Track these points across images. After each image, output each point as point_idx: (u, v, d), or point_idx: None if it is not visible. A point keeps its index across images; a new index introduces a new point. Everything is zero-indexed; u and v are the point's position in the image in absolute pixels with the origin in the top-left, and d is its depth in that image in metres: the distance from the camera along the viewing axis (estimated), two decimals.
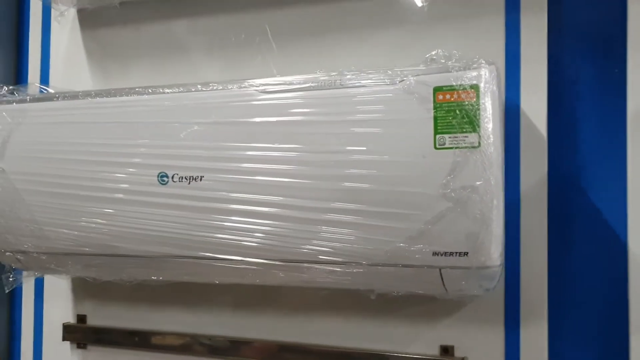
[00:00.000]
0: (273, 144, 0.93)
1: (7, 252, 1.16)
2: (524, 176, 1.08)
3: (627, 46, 1.04)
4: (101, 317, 1.40)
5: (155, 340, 1.32)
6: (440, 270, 0.90)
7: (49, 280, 1.44)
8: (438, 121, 0.85)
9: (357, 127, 0.89)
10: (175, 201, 0.99)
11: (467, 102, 0.83)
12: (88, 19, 1.41)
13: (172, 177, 0.99)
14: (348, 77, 0.92)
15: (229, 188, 0.96)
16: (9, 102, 1.12)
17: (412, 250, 0.88)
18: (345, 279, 0.96)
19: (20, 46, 1.53)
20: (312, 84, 0.93)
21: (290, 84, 0.94)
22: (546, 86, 1.07)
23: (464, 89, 0.84)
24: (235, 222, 0.97)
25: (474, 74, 0.84)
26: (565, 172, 1.10)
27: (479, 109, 0.83)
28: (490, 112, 0.83)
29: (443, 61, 0.89)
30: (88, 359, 1.41)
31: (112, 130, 1.04)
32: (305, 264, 0.95)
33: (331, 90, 0.92)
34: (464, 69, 0.85)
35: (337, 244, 0.92)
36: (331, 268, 0.94)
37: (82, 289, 1.41)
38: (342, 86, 0.91)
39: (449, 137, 0.84)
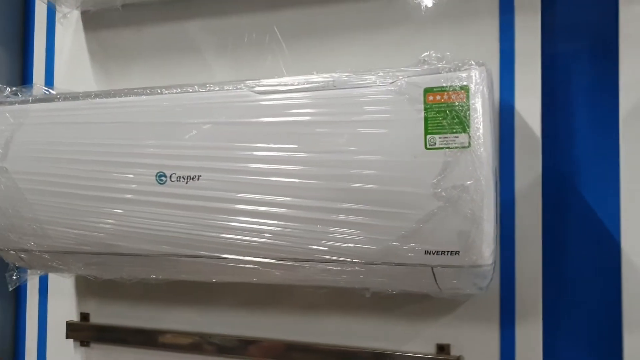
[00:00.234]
0: (267, 144, 0.95)
1: (10, 250, 1.18)
2: (519, 176, 1.09)
3: (619, 46, 1.04)
4: (104, 315, 1.41)
5: (158, 338, 1.33)
6: (432, 268, 0.91)
7: (53, 278, 1.45)
8: (428, 122, 0.85)
9: (348, 127, 0.90)
10: (173, 200, 1.00)
11: (457, 103, 0.84)
12: (91, 21, 1.43)
13: (170, 177, 1.00)
14: (341, 78, 0.93)
15: (225, 187, 0.97)
16: (11, 103, 1.13)
17: (405, 249, 0.89)
18: (340, 277, 0.97)
19: (26, 48, 1.55)
20: (305, 85, 0.94)
21: (284, 85, 0.96)
22: (540, 86, 1.08)
23: (454, 89, 0.84)
24: (231, 221, 0.98)
25: (464, 75, 0.85)
26: (559, 172, 1.11)
27: (469, 110, 0.84)
28: (481, 112, 0.84)
29: (435, 62, 0.90)
30: (91, 356, 1.42)
31: (112, 130, 1.05)
32: (299, 263, 0.96)
33: (324, 91, 0.93)
34: (455, 70, 0.86)
35: (331, 243, 0.93)
36: (325, 266, 0.95)
37: (86, 287, 1.43)
38: (335, 87, 0.92)
39: (439, 138, 0.85)
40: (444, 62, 0.89)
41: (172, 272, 1.11)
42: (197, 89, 1.02)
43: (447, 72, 0.86)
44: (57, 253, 1.13)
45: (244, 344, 1.26)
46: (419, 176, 0.86)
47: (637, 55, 1.04)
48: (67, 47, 1.46)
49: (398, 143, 0.87)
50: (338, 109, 0.91)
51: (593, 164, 1.10)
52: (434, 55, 0.91)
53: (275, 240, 0.96)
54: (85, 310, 1.43)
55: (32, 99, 1.13)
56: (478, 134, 0.83)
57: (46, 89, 1.22)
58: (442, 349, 1.13)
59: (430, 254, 0.88)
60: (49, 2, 1.37)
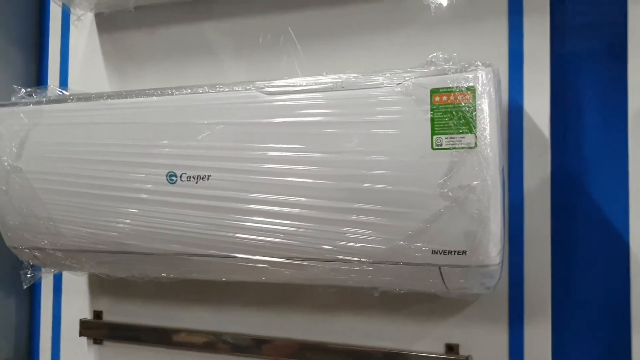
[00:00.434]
0: (276, 144, 0.95)
1: (25, 248, 1.20)
2: (528, 176, 1.09)
3: (628, 46, 1.04)
4: (117, 313, 1.43)
5: (171, 336, 1.34)
6: (440, 268, 0.91)
7: (67, 276, 1.47)
8: (435, 122, 0.86)
9: (356, 128, 0.91)
10: (183, 200, 1.01)
11: (463, 104, 0.84)
12: (104, 23, 1.44)
13: (181, 177, 1.01)
14: (349, 79, 0.93)
15: (234, 187, 0.98)
16: (26, 104, 1.15)
17: (412, 248, 0.89)
18: (348, 276, 0.98)
19: (41, 50, 1.57)
20: (313, 87, 0.95)
21: (292, 86, 0.96)
22: (549, 87, 1.08)
23: (461, 90, 0.85)
24: (240, 220, 0.99)
25: (471, 75, 0.85)
26: (568, 172, 1.11)
27: (475, 111, 0.84)
28: (487, 113, 0.84)
29: (442, 63, 0.90)
30: (104, 354, 1.44)
31: (123, 130, 1.07)
32: (308, 262, 0.97)
33: (331, 92, 0.93)
34: (461, 71, 0.86)
35: (339, 242, 0.93)
36: (334, 266, 0.96)
37: (99, 285, 1.44)
38: (343, 88, 0.93)
39: (446, 138, 0.85)
40: (450, 63, 0.89)
41: (182, 271, 1.13)
42: (207, 90, 1.03)
43: (453, 73, 0.86)
44: (70, 251, 1.15)
45: (258, 343, 1.27)
46: (425, 176, 0.87)
47: None
48: (81, 49, 1.47)
49: (405, 144, 0.88)
50: (345, 110, 0.92)
51: (602, 164, 1.10)
52: (441, 56, 0.92)
53: (284, 239, 0.97)
54: (99, 308, 1.44)
55: (46, 100, 1.14)
56: (484, 134, 0.84)
57: (60, 90, 1.24)
58: (451, 348, 1.14)
59: (437, 253, 0.89)
60: (63, 4, 1.39)
